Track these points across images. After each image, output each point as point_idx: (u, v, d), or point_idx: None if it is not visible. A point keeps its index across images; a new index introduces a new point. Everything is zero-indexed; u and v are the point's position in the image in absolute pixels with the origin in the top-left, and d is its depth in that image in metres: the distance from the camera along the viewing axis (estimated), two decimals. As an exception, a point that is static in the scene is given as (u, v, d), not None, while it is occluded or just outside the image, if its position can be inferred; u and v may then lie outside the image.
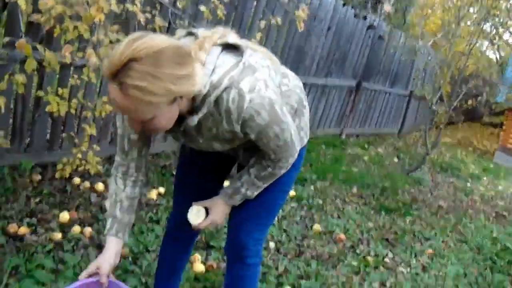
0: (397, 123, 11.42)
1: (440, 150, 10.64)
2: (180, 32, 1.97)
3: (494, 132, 15.74)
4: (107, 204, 2.21)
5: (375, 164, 7.87)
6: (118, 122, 2.10)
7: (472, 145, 13.84)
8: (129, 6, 3.39)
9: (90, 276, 2.04)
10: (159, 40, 1.63)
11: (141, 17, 3.41)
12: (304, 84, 7.29)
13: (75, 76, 4.02)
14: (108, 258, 2.09)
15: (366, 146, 9.13)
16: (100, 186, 4.17)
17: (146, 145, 2.17)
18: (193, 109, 1.84)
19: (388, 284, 3.94)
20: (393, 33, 9.77)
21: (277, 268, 3.73)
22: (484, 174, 9.70)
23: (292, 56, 7.03)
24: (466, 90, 7.99)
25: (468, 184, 8.33)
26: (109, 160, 4.72)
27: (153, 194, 4.35)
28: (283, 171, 2.15)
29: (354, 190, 6.11)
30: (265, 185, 2.19)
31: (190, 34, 1.94)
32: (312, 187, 5.79)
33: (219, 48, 1.86)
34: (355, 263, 4.14)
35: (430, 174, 8.29)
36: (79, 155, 4.03)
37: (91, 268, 2.06)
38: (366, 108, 9.78)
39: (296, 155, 2.11)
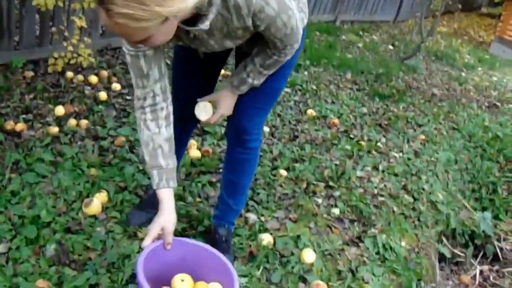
0: (393, 10, 11.16)
1: (435, 39, 10.49)
2: None
3: (492, 23, 15.48)
4: (145, 154, 2.06)
5: (370, 51, 7.75)
6: (128, 45, 1.92)
7: (468, 35, 13.64)
8: None
9: (154, 240, 1.97)
10: None
11: None
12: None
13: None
14: (168, 216, 2.01)
15: (360, 33, 8.97)
16: (93, 78, 4.07)
17: (163, 60, 2.02)
18: (197, 15, 1.73)
19: (380, 168, 3.96)
20: None
21: (271, 152, 3.73)
22: (479, 65, 9.62)
23: None
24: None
25: (463, 74, 8.27)
26: (101, 52, 4.64)
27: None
28: (288, 58, 2.08)
29: (348, 76, 6.04)
30: (271, 72, 2.14)
31: None
32: (306, 73, 5.70)
33: None
34: (348, 147, 4.14)
35: (425, 62, 8.20)
36: (70, 48, 3.90)
37: (154, 231, 1.97)
38: (362, -6, 9.53)
39: (300, 40, 2.04)
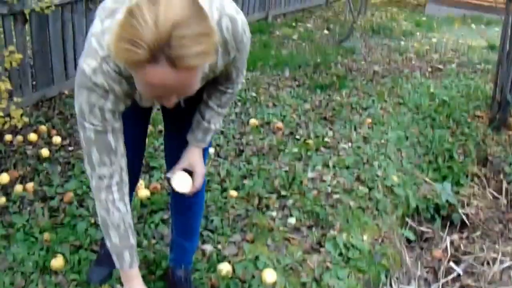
0: (323, -7, 11.17)
1: (370, 12, 10.50)
2: None
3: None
4: (113, 236, 1.88)
5: (306, 41, 7.70)
6: (94, 120, 1.69)
7: (402, 0, 13.71)
8: None
9: None
10: None
11: None
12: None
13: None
14: None
15: (294, 24, 8.91)
16: (33, 136, 3.98)
17: (122, 130, 1.82)
18: None
19: (331, 164, 3.92)
20: None
21: (219, 174, 3.66)
22: (417, 29, 9.62)
23: None
24: None
25: (402, 43, 8.27)
26: (37, 106, 4.53)
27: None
28: (240, 87, 2.04)
29: (287, 73, 5.99)
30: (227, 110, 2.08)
31: None
32: (243, 81, 5.63)
33: None
34: (296, 150, 4.09)
35: (363, 40, 8.19)
36: (0, 114, 3.79)
37: None
38: (289, -16, 9.49)
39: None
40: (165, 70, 1.29)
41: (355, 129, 4.59)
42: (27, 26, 4.40)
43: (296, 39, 7.80)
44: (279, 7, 9.28)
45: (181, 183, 2.03)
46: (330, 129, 4.55)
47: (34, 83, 4.65)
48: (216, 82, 1.95)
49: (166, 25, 1.24)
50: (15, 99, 3.96)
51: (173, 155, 2.18)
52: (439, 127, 4.84)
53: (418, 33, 9.23)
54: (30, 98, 4.51)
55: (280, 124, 4.48)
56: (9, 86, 3.88)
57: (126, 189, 1.88)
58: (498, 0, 5.99)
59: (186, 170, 2.05)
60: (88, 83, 1.60)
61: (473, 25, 10.44)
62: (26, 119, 3.94)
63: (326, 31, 8.58)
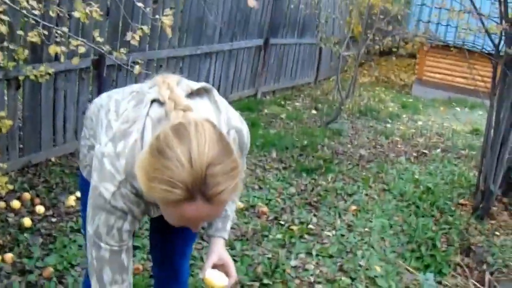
0: (312, 72, 11.37)
1: (358, 93, 10.69)
2: (143, 106, 1.65)
3: (411, 63, 15.90)
4: None
5: (293, 121, 7.79)
6: (111, 241, 1.66)
7: (390, 80, 13.99)
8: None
9: None
10: (201, 123, 1.41)
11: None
12: (209, 54, 7.21)
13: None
14: None
15: (282, 102, 9.03)
16: (15, 203, 3.97)
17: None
18: None
19: (314, 252, 3.92)
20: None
21: (202, 258, 3.64)
22: (403, 111, 9.79)
23: (193, 26, 6.82)
24: (377, 28, 8.00)
25: (388, 125, 8.41)
26: (22, 171, 4.54)
27: (71, 200, 4.17)
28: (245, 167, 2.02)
29: (274, 154, 6.04)
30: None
31: (152, 102, 1.64)
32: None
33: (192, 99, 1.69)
34: (279, 236, 4.10)
35: (350, 121, 8.31)
36: (-16, 181, 3.80)
37: None
38: (278, 63, 9.65)
39: None
40: (201, 205, 1.36)
41: (339, 216, 4.61)
42: (19, 91, 4.47)
43: (284, 118, 7.90)
44: (269, 85, 9.44)
45: (218, 278, 1.91)
46: (315, 215, 4.57)
47: (21, 146, 4.66)
48: None
49: (202, 164, 1.32)
50: (0, 164, 3.98)
51: (157, 248, 2.19)
52: (423, 215, 4.87)
53: (404, 115, 9.39)
54: (16, 163, 4.52)
55: (265, 209, 4.51)
56: (-5, 153, 3.91)
57: None
58: (480, 84, 6.13)
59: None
60: (106, 206, 1.60)
61: (457, 108, 10.66)
62: (10, 186, 3.94)
63: (314, 111, 8.71)
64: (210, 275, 1.89)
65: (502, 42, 4.82)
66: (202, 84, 1.77)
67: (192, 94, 1.70)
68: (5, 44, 3.89)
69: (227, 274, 1.92)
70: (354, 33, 9.29)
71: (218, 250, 1.97)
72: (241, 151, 1.76)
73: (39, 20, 3.50)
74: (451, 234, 4.57)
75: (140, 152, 1.50)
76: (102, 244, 1.66)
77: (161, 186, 1.34)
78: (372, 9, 8.63)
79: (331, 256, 3.91)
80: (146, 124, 1.58)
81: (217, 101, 1.75)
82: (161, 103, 1.60)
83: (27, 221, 3.75)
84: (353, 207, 4.78)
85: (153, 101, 1.62)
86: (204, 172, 1.32)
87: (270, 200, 4.76)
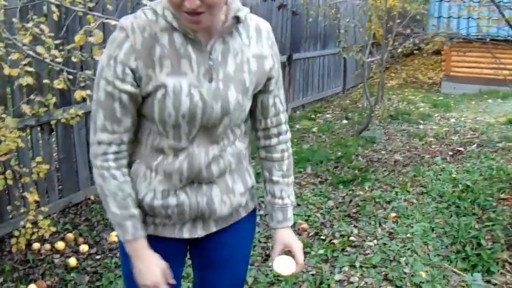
0: (339, 81, 11.41)
1: (387, 98, 10.66)
2: None
3: (438, 59, 15.77)
4: (112, 206, 1.80)
5: (325, 133, 7.83)
6: (108, 74, 1.70)
7: (418, 80, 13.91)
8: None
9: None
10: None
11: None
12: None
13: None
14: (157, 259, 1.84)
15: (313, 116, 9.09)
16: (60, 244, 4.09)
17: (135, 118, 1.80)
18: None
19: (357, 264, 3.93)
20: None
21: (247, 282, 3.67)
22: (435, 110, 9.74)
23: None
24: (396, 32, 7.99)
25: (421, 126, 8.38)
26: (64, 212, 4.66)
27: (113, 236, 4.27)
28: (289, 135, 2.02)
29: (309, 170, 6.08)
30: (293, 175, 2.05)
31: None
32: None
33: None
34: (322, 251, 4.12)
35: (382, 127, 8.30)
36: (29, 225, 3.91)
37: (159, 278, 1.81)
38: (304, 77, 9.73)
39: None
40: None
41: (380, 224, 4.61)
42: (53, 134, 4.61)
43: (316, 131, 7.94)
44: (297, 99, 9.51)
45: (285, 266, 1.97)
46: (355, 226, 4.58)
47: (60, 187, 4.78)
48: (264, 123, 1.95)
49: None
50: (42, 208, 4.10)
51: None
52: (464, 214, 4.83)
53: (436, 114, 9.34)
54: (57, 205, 4.65)
55: (305, 225, 4.53)
56: (36, 198, 4.04)
57: (124, 162, 1.82)
58: (508, 74, 6.08)
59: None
60: (115, 33, 1.69)
61: (489, 100, 10.54)
62: (53, 228, 4.06)
63: (345, 121, 8.73)
64: (277, 264, 1.96)
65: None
66: None
67: None
68: (32, 96, 4.02)
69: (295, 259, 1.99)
70: (376, 37, 9.28)
71: (283, 240, 1.99)
72: (267, 32, 1.84)
73: (62, 67, 3.61)
74: (495, 230, 4.52)
75: None
76: (101, 82, 1.71)
77: None
78: (391, 11, 8.62)
79: (374, 266, 3.91)
80: None
81: None
82: None
83: (72, 261, 3.86)
84: (393, 214, 4.77)
85: None
86: None
87: (309, 216, 4.78)
